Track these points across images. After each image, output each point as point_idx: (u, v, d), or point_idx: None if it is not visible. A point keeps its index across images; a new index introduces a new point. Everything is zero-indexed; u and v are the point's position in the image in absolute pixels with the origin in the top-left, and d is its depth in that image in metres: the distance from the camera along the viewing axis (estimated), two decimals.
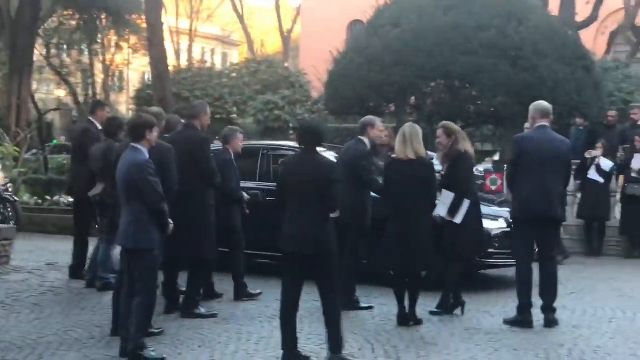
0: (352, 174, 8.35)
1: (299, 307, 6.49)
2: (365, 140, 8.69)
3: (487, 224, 8.95)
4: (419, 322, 8.17)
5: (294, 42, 47.53)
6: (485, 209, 8.99)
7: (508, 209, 9.56)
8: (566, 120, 14.38)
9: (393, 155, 8.27)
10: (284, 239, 6.46)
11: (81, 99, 35.78)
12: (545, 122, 8.26)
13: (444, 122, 8.82)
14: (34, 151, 21.15)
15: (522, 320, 8.18)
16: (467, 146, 8.52)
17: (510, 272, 8.99)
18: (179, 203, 7.36)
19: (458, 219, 8.25)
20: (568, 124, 14.60)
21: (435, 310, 8.45)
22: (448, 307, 8.47)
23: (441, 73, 14.13)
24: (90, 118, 9.97)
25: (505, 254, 9.57)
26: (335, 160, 7.91)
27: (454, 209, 8.28)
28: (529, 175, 8.10)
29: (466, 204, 8.26)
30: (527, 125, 8.79)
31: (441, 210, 8.33)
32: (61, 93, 40.02)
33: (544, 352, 7.26)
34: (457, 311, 8.43)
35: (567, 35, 15.07)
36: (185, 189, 7.63)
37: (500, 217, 9.73)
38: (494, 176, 12.72)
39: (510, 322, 8.20)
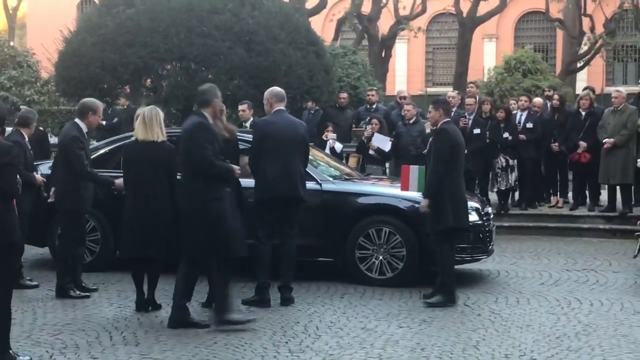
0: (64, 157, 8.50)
1: None
2: (81, 123, 8.67)
3: None
4: (157, 307, 8.14)
5: (20, 20, 45.07)
6: None
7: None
8: (299, 104, 14.81)
9: (132, 139, 8.18)
10: None
11: None
12: (281, 106, 8.57)
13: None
14: None
15: (260, 299, 8.38)
16: None
17: None
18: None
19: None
20: (301, 108, 15.04)
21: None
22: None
23: (177, 55, 14.03)
24: None
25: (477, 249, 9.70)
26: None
27: None
28: (273, 158, 8.33)
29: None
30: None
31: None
32: None
33: (280, 330, 7.50)
34: None
35: (298, 21, 15.49)
36: None
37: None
38: None
39: (249, 302, 8.38)
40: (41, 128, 12.83)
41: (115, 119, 14.96)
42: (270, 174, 8.35)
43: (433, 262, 9.04)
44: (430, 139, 8.97)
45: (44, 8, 37.29)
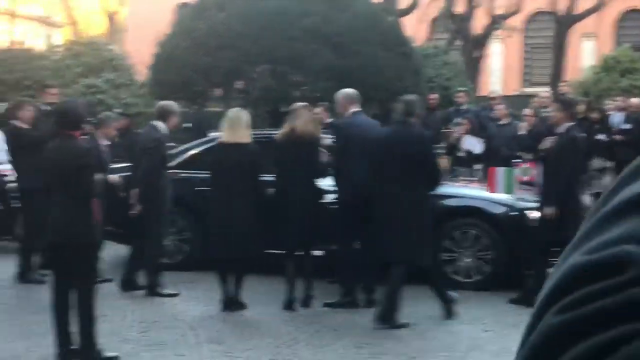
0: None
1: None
2: (162, 126, 8.87)
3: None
4: (242, 306, 8.25)
5: (120, 23, 46.30)
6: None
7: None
8: (387, 105, 14.76)
9: (220, 140, 8.32)
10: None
11: None
12: (357, 108, 8.59)
13: None
14: None
15: (348, 301, 8.42)
16: None
17: None
18: None
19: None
20: (389, 109, 14.98)
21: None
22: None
23: (267, 57, 14.18)
24: None
25: None
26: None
27: None
28: (358, 159, 8.33)
29: None
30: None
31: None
32: None
33: (362, 331, 7.50)
34: None
35: (387, 22, 15.46)
36: None
37: None
38: (525, 165, 12.07)
39: (337, 305, 8.40)
40: (139, 130, 13.08)
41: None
42: (355, 175, 8.36)
43: (521, 265, 8.88)
44: (549, 141, 8.59)
45: (143, 11, 38.20)
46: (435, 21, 25.86)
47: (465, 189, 10.44)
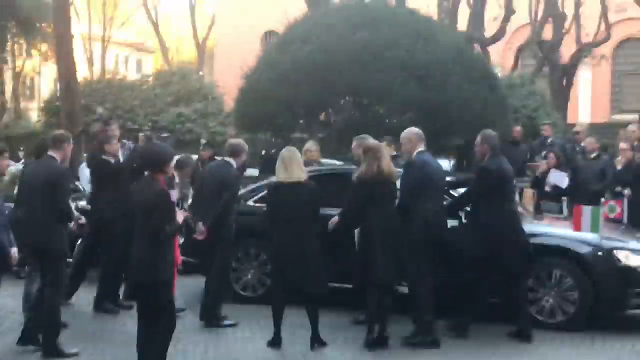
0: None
1: None
2: (233, 162, 9.19)
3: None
4: (323, 344, 8.27)
5: (209, 49, 47.24)
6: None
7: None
8: (470, 139, 14.66)
9: (276, 181, 8.43)
10: None
11: None
12: (423, 147, 8.71)
13: None
14: None
15: (428, 340, 8.40)
16: None
17: None
18: None
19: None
20: (473, 142, 14.87)
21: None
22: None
23: (350, 90, 14.27)
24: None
25: None
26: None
27: None
28: (429, 198, 8.37)
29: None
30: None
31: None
32: None
33: None
34: None
35: (473, 54, 15.40)
36: None
37: None
38: (612, 203, 12.05)
39: (415, 343, 8.38)
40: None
41: None
42: (430, 214, 8.40)
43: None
44: None
45: (231, 38, 38.85)
46: (521, 49, 25.54)
47: (551, 228, 10.25)
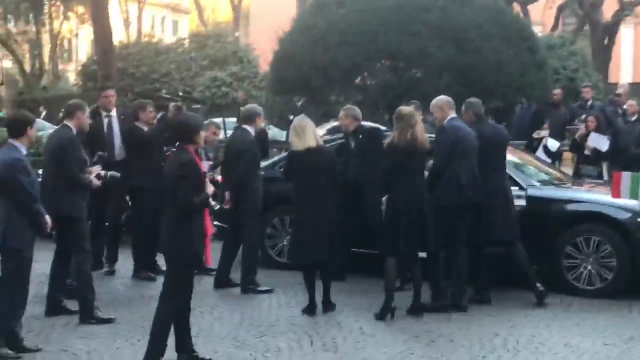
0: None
1: None
2: (249, 128, 9.17)
3: None
4: (333, 308, 8.31)
5: (245, 9, 47.02)
6: None
7: None
8: (509, 101, 14.50)
9: (292, 149, 8.40)
10: None
11: (27, 69, 35.20)
12: (454, 114, 8.67)
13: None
14: None
15: (456, 304, 8.46)
16: None
17: None
18: None
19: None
20: (512, 105, 14.72)
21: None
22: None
23: (386, 54, 14.12)
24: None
25: None
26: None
27: None
28: (465, 163, 8.46)
29: None
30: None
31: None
32: (7, 64, 39.30)
33: (479, 342, 7.41)
34: None
35: (512, 16, 15.13)
36: None
37: None
38: None
39: (439, 308, 8.40)
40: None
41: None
42: (462, 179, 8.36)
43: None
44: None
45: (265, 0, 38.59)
46: (562, 8, 25.07)
47: (589, 194, 10.11)
